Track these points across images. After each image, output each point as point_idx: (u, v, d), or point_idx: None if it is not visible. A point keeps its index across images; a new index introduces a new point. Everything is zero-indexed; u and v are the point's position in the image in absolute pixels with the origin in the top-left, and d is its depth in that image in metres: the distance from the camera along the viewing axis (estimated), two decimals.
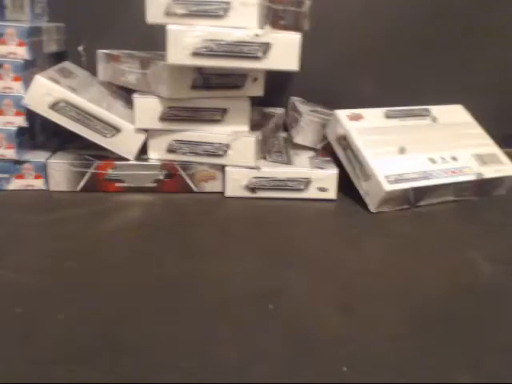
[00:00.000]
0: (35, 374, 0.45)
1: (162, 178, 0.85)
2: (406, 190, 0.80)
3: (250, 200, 0.84)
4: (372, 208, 0.81)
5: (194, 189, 0.86)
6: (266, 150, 0.91)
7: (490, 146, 0.92)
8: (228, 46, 0.73)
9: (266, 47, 0.74)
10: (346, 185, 0.84)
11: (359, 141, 0.83)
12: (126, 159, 0.84)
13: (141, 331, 0.51)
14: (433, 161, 0.85)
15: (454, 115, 0.95)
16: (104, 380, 0.45)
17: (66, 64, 0.93)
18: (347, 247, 0.70)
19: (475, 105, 0.96)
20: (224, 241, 0.71)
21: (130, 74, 0.85)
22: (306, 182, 0.84)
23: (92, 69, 0.94)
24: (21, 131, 0.83)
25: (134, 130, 0.83)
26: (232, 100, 0.83)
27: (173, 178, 0.85)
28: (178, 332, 0.51)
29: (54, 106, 0.80)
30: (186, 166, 0.85)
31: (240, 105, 0.83)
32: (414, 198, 0.82)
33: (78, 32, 1.00)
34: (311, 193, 0.84)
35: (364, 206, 0.81)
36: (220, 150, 0.83)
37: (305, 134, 0.93)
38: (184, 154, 0.84)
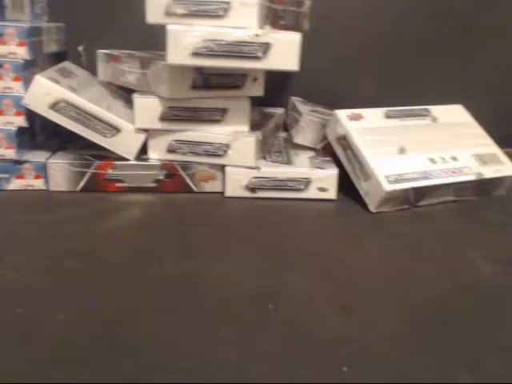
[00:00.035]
0: (35, 373, 0.45)
1: (161, 177, 0.85)
2: (406, 190, 0.80)
3: (250, 200, 0.84)
4: (372, 208, 0.81)
5: (194, 189, 0.86)
6: (265, 150, 0.91)
7: (489, 146, 0.92)
8: (228, 46, 0.73)
9: (266, 47, 0.74)
10: (346, 185, 0.84)
11: (359, 141, 0.83)
12: (126, 159, 0.84)
13: (141, 331, 0.51)
14: (433, 161, 0.85)
15: (454, 115, 0.95)
16: (104, 380, 0.45)
17: (66, 64, 0.93)
18: (347, 247, 0.70)
19: (475, 105, 0.96)
20: (224, 241, 0.71)
21: (130, 73, 0.85)
22: (306, 182, 0.84)
23: (92, 69, 0.94)
24: (21, 131, 0.83)
25: (134, 130, 0.83)
26: (232, 100, 0.83)
27: (173, 178, 0.85)
28: (178, 332, 0.51)
29: (54, 106, 0.80)
30: (186, 166, 0.85)
31: (240, 105, 0.83)
32: (414, 198, 0.82)
33: (78, 32, 1.00)
34: (311, 193, 0.84)
35: (364, 206, 0.81)
36: (220, 150, 0.83)
37: (305, 133, 0.93)
38: (184, 154, 0.84)
